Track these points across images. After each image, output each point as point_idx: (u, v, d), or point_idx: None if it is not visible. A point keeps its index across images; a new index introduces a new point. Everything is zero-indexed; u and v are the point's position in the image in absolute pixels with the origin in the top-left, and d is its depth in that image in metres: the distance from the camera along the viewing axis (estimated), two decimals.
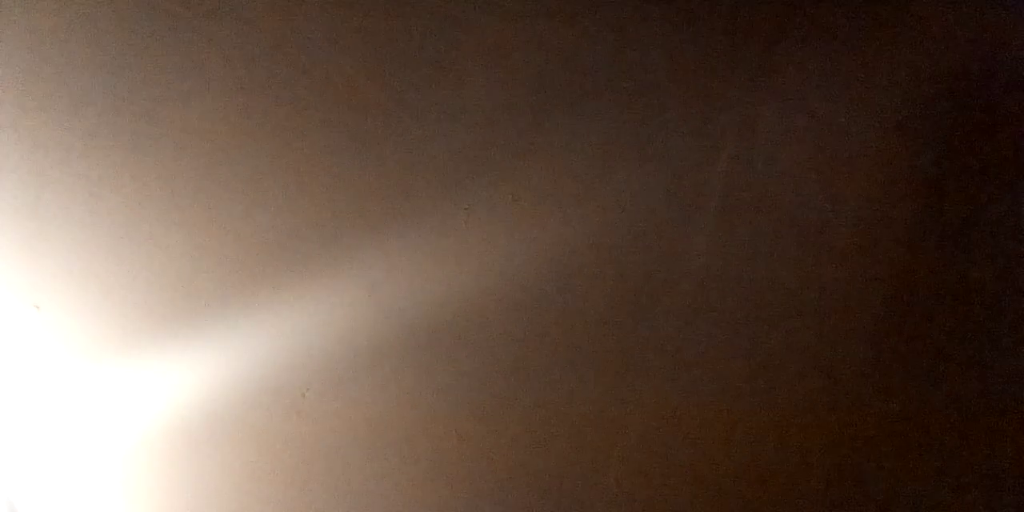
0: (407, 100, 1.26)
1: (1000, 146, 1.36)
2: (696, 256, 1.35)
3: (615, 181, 1.31)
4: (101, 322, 1.28)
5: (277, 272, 1.29)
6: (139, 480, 1.34)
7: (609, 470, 1.41)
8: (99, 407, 1.31)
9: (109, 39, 1.19)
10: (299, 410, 1.34)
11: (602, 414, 1.39)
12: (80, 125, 1.21)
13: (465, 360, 1.35)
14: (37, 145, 1.21)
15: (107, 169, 1.23)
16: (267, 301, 1.30)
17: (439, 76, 1.26)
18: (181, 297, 1.28)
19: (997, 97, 1.35)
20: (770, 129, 1.32)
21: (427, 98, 1.26)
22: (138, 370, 1.30)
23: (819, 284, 1.37)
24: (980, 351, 1.40)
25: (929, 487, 1.44)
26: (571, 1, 1.26)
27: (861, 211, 1.36)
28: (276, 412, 1.34)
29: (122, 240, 1.25)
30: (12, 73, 1.19)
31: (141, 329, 1.29)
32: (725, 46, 1.30)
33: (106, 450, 1.32)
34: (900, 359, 1.40)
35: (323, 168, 1.27)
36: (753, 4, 1.29)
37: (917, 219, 1.37)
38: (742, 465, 1.42)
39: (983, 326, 1.40)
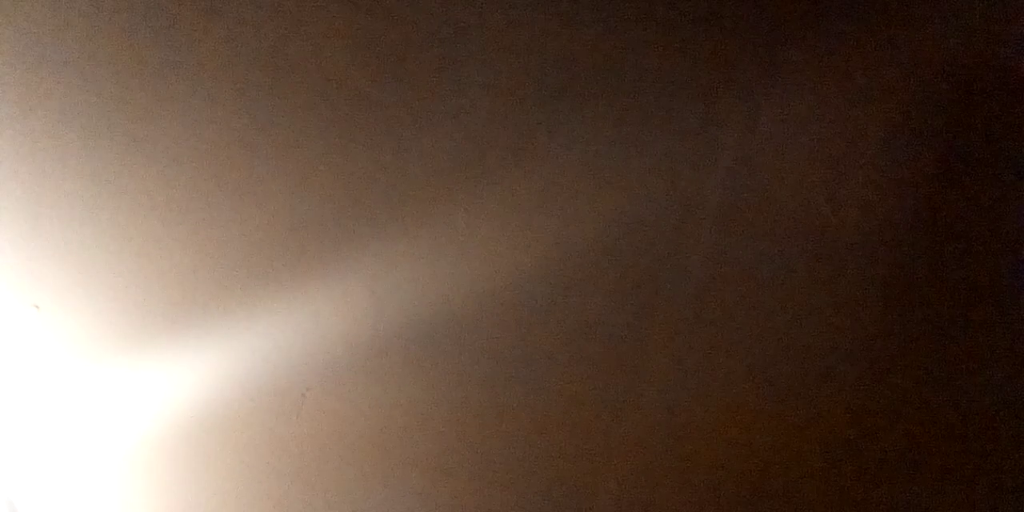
0: (407, 100, 1.26)
1: (1001, 146, 1.36)
2: (696, 256, 1.35)
3: (615, 181, 1.31)
4: (101, 322, 1.28)
5: (277, 272, 1.29)
6: (139, 480, 1.34)
7: (610, 471, 1.41)
8: (99, 407, 1.31)
9: (108, 39, 1.19)
10: (299, 410, 1.34)
11: (603, 414, 1.39)
12: (80, 125, 1.21)
13: (466, 360, 1.35)
14: (37, 145, 1.21)
15: (107, 169, 1.23)
16: (267, 301, 1.30)
17: (439, 76, 1.26)
18: (181, 297, 1.28)
19: (999, 96, 1.34)
20: (770, 129, 1.32)
21: (427, 98, 1.26)
22: (138, 370, 1.30)
23: (819, 284, 1.37)
24: (980, 351, 1.40)
25: (929, 487, 1.44)
26: (571, 2, 1.26)
27: (861, 211, 1.36)
28: (276, 412, 1.34)
29: (122, 240, 1.25)
30: (12, 73, 1.19)
31: (141, 329, 1.29)
32: (725, 46, 1.30)
33: (106, 450, 1.32)
34: (900, 359, 1.40)
35: (323, 168, 1.27)
36: (754, 4, 1.29)
37: (917, 219, 1.37)
38: (742, 466, 1.42)
39: (983, 326, 1.40)
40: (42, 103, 1.20)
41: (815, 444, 1.42)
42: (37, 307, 1.26)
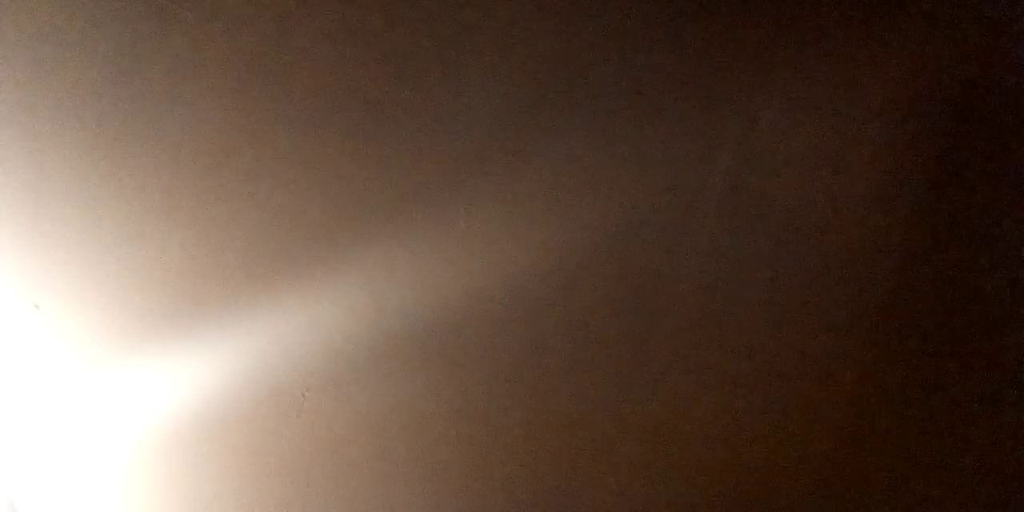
0: (407, 100, 1.26)
1: (1001, 146, 1.36)
2: (696, 256, 1.35)
3: (615, 181, 1.31)
4: (101, 322, 1.28)
5: (277, 272, 1.29)
6: (139, 480, 1.34)
7: (609, 471, 1.41)
8: (99, 407, 1.31)
9: (108, 39, 1.19)
10: (299, 410, 1.34)
11: (602, 414, 1.39)
12: (80, 125, 1.21)
13: (465, 360, 1.35)
14: (37, 144, 1.21)
15: (107, 169, 1.23)
16: (267, 301, 1.30)
17: (439, 76, 1.26)
18: (181, 297, 1.28)
19: (999, 96, 1.34)
20: (770, 129, 1.32)
21: (427, 98, 1.26)
22: (138, 370, 1.30)
23: (820, 284, 1.37)
24: (980, 351, 1.40)
25: (929, 487, 1.44)
26: (572, 2, 1.26)
27: (861, 211, 1.36)
28: (276, 412, 1.34)
29: (122, 240, 1.25)
30: (12, 73, 1.19)
31: (141, 329, 1.29)
32: (725, 46, 1.30)
33: (106, 450, 1.32)
34: (900, 359, 1.40)
35: (322, 168, 1.27)
36: (754, 4, 1.29)
37: (917, 219, 1.37)
38: (742, 466, 1.42)
39: (983, 326, 1.40)
40: (42, 102, 1.20)
41: (815, 444, 1.42)
42: (37, 307, 1.26)
